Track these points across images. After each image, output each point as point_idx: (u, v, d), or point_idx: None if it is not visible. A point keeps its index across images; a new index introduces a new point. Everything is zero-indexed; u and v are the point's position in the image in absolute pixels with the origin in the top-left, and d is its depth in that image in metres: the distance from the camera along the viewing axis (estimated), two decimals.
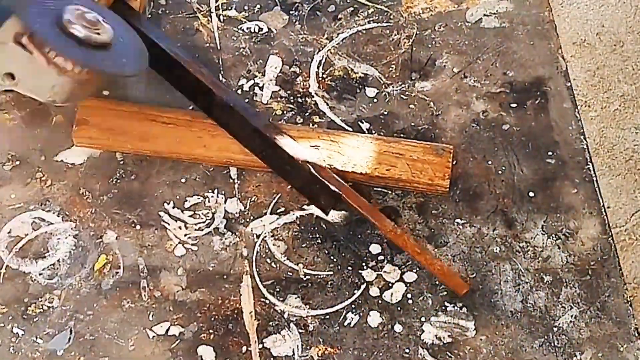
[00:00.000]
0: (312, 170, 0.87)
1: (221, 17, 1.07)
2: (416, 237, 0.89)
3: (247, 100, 1.00)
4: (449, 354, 0.83)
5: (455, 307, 0.85)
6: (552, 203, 0.91)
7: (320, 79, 1.02)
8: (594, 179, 0.93)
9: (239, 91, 1.01)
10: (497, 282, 0.87)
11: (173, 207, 0.92)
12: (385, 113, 0.98)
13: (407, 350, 0.83)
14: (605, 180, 1.69)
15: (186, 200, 0.92)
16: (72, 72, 0.77)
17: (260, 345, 0.84)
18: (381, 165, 0.91)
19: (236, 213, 0.92)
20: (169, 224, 0.91)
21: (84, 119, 0.94)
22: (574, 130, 0.96)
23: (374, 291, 0.87)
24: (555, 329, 0.84)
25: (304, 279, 0.88)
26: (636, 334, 0.83)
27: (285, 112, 0.99)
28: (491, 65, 1.01)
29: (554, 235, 0.89)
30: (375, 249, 0.89)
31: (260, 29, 1.06)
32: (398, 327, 0.85)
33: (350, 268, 0.88)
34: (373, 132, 0.97)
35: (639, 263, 1.65)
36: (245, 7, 1.08)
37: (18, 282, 0.89)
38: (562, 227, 0.89)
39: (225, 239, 0.91)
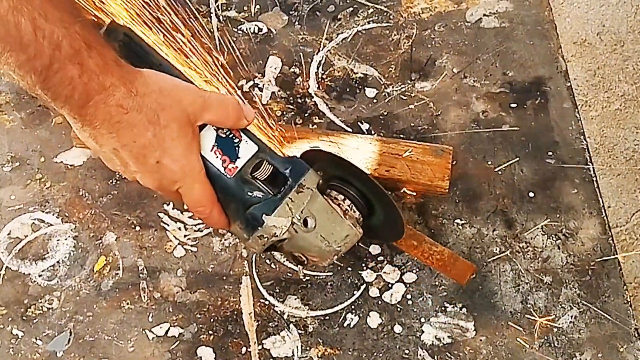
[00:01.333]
0: None
1: (221, 18, 1.07)
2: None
3: (246, 101, 1.00)
4: (449, 355, 0.83)
5: (455, 308, 0.85)
6: (552, 203, 0.91)
7: (320, 79, 1.02)
8: (594, 179, 0.92)
9: (239, 92, 1.01)
10: (497, 283, 0.86)
11: (172, 208, 0.92)
12: (385, 113, 0.98)
13: (406, 351, 0.83)
14: (606, 180, 1.70)
15: None
16: (359, 226, 0.79)
17: (260, 346, 0.84)
18: (380, 166, 0.91)
19: None
20: (168, 225, 0.91)
21: None
22: (574, 130, 0.96)
23: (374, 292, 0.87)
24: (555, 330, 0.83)
25: (304, 279, 0.88)
26: (636, 335, 0.83)
27: (284, 112, 0.99)
28: (491, 65, 1.01)
29: (553, 236, 0.89)
30: (374, 249, 0.89)
31: (260, 30, 1.06)
32: (398, 328, 0.84)
33: (349, 269, 0.88)
34: (373, 132, 0.97)
35: (639, 263, 1.66)
36: (245, 8, 1.08)
37: (18, 283, 0.89)
38: (562, 228, 0.89)
39: (225, 239, 0.91)
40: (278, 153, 0.78)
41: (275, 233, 0.74)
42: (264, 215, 0.74)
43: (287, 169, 0.76)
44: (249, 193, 0.75)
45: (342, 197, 0.79)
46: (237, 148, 0.76)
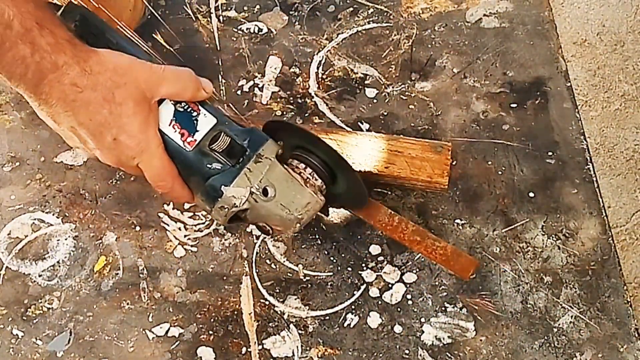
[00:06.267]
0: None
1: (221, 18, 1.07)
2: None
3: (246, 101, 1.00)
4: (449, 355, 0.83)
5: (455, 308, 0.85)
6: (552, 203, 0.91)
7: (320, 79, 1.02)
8: (594, 179, 0.92)
9: (239, 92, 1.01)
10: (497, 283, 0.86)
11: (173, 208, 0.92)
12: (385, 113, 0.98)
13: (407, 351, 0.83)
14: (606, 179, 1.70)
15: None
16: (321, 194, 0.80)
17: (260, 347, 0.84)
18: (379, 163, 0.91)
19: None
20: (168, 225, 0.91)
21: None
22: (574, 130, 0.96)
23: (374, 292, 0.87)
24: (555, 330, 0.83)
25: (304, 280, 0.88)
26: (636, 335, 0.83)
27: (284, 112, 0.99)
28: (491, 65, 1.01)
29: (554, 236, 0.89)
30: (375, 249, 0.89)
31: (260, 30, 1.06)
32: (398, 328, 0.84)
33: (350, 269, 0.88)
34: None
35: (639, 263, 1.66)
36: (245, 8, 1.08)
37: (18, 283, 0.89)
38: (562, 228, 0.89)
39: (225, 240, 0.91)
40: (238, 125, 0.79)
41: (235, 203, 0.76)
42: (222, 186, 0.75)
43: (246, 140, 0.77)
44: (208, 165, 0.76)
45: (303, 166, 0.80)
46: (195, 121, 0.77)
